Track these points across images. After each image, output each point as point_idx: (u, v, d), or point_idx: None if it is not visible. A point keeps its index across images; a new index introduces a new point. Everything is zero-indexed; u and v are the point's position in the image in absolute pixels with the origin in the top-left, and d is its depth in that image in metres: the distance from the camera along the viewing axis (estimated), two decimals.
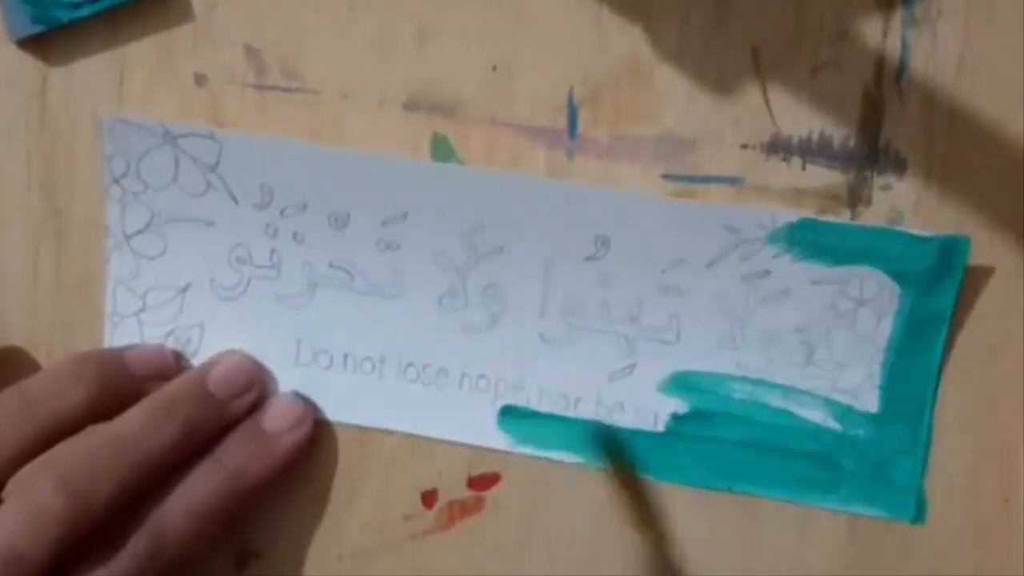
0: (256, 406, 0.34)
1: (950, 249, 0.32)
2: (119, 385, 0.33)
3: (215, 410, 0.33)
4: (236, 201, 0.34)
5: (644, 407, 0.33)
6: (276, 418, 0.34)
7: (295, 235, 0.34)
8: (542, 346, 0.34)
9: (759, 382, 0.33)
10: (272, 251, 0.34)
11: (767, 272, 0.33)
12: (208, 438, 0.33)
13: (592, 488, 0.34)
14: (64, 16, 0.34)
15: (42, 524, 0.29)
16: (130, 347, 0.34)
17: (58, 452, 0.31)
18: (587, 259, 0.33)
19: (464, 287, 0.34)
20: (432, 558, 0.35)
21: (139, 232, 0.34)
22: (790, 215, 0.32)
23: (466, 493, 0.35)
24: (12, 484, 0.31)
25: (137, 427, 0.31)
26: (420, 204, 0.33)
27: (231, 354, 0.34)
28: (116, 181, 0.34)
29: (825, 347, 0.33)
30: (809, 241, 0.32)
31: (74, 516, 0.29)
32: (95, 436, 0.31)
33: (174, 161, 0.34)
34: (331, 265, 0.34)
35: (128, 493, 0.31)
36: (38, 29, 0.34)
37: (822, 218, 0.32)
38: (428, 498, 0.35)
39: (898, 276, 0.32)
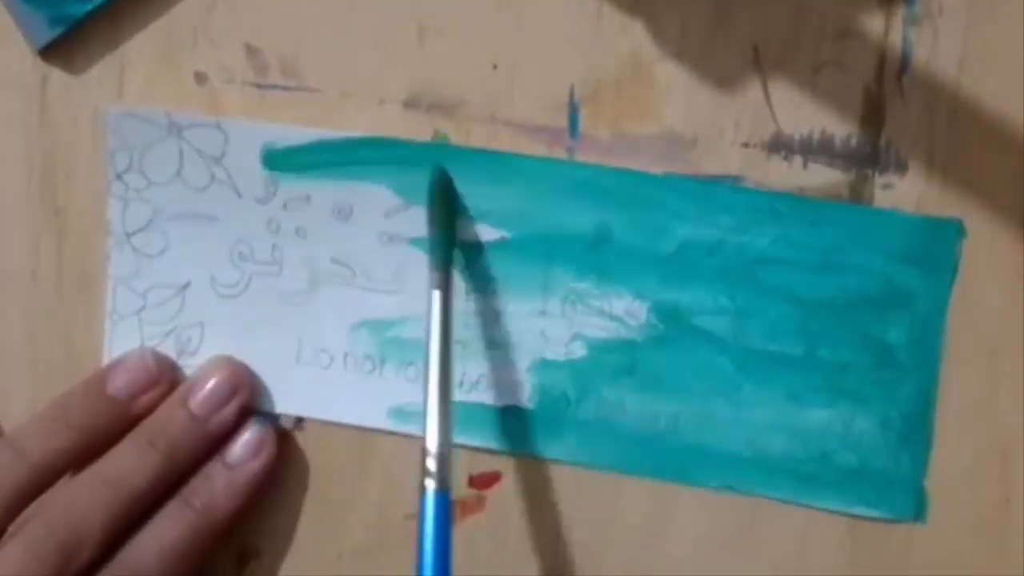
0: (244, 411, 0.34)
1: (944, 232, 0.32)
2: (106, 414, 0.33)
3: (198, 433, 0.33)
4: (239, 195, 0.34)
5: (646, 408, 0.33)
6: (238, 452, 0.34)
7: (297, 230, 0.34)
8: (541, 343, 0.34)
9: (760, 380, 0.33)
10: (274, 247, 0.34)
11: (767, 260, 0.33)
12: (196, 460, 0.33)
13: (592, 488, 0.34)
14: (77, 10, 0.33)
15: (39, 564, 0.30)
16: (112, 366, 0.34)
17: (51, 495, 0.32)
18: (588, 249, 0.33)
19: (465, 282, 0.34)
20: None
21: (140, 230, 0.34)
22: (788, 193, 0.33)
23: (467, 492, 0.35)
24: (12, 528, 0.32)
25: (122, 463, 0.32)
26: (424, 191, 0.33)
27: (212, 369, 0.34)
28: (118, 177, 0.34)
29: (826, 345, 0.33)
30: (806, 224, 0.32)
31: (68, 556, 0.31)
32: (85, 476, 0.32)
33: (178, 153, 0.34)
34: (333, 261, 0.34)
35: (120, 527, 0.32)
36: (57, 31, 0.34)
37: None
38: None
39: (895, 261, 0.32)
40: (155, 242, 0.34)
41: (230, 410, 0.34)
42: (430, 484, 0.29)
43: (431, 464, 0.29)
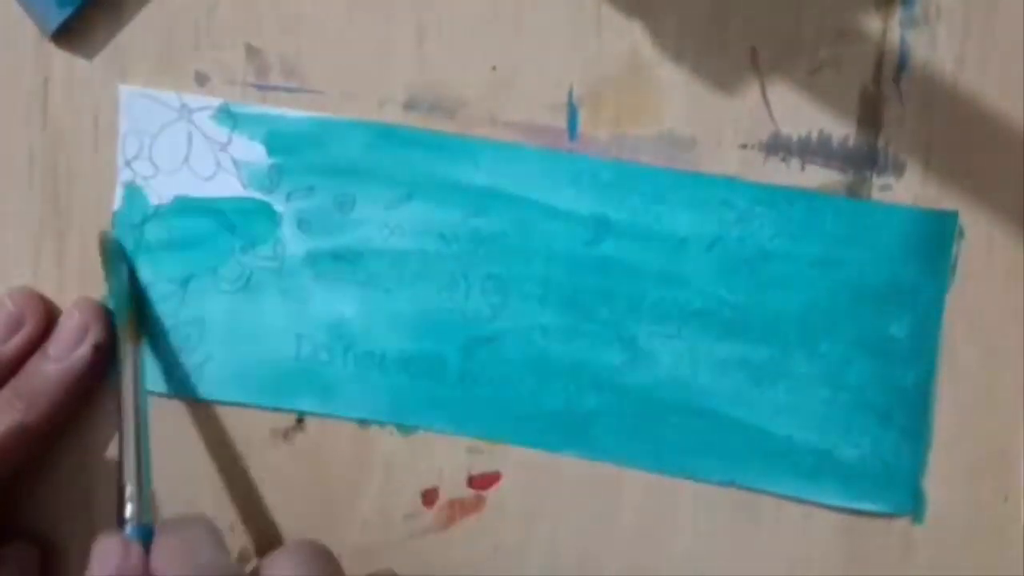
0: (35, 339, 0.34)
1: (941, 224, 0.32)
2: None
3: (57, 375, 0.34)
4: (244, 184, 0.34)
5: (647, 402, 0.33)
6: (57, 343, 0.34)
7: (300, 223, 0.34)
8: (543, 339, 0.34)
9: (761, 374, 0.33)
10: (276, 240, 0.34)
11: (767, 255, 0.33)
12: (60, 401, 0.34)
13: (592, 488, 0.34)
14: None
15: None
16: None
17: None
18: (588, 244, 0.33)
19: (466, 277, 0.34)
20: (432, 557, 0.35)
21: (145, 220, 0.35)
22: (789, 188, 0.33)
23: (467, 492, 0.35)
24: None
25: None
26: (426, 182, 0.34)
27: (65, 313, 0.34)
28: (127, 164, 0.35)
29: (827, 339, 0.33)
30: (805, 218, 0.33)
31: None
32: None
33: (187, 139, 0.34)
34: (334, 255, 0.34)
35: None
36: (67, 12, 0.34)
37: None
38: (429, 497, 0.35)
39: (894, 255, 0.32)
40: (158, 234, 0.35)
41: (85, 349, 0.34)
42: (129, 524, 0.31)
43: (129, 509, 0.31)
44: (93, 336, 0.34)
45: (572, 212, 0.33)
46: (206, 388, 0.35)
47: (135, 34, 0.34)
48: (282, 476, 0.35)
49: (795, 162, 0.33)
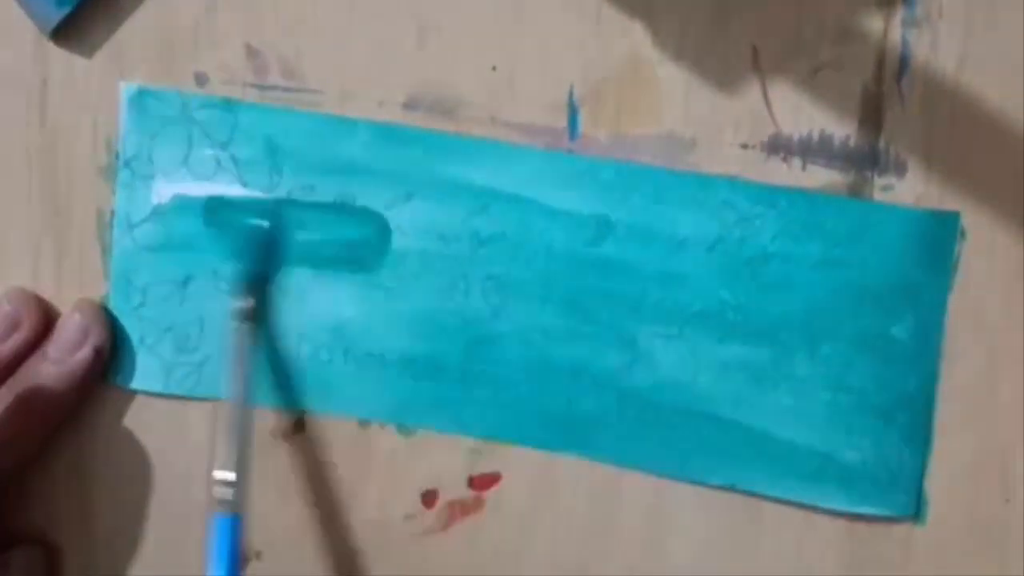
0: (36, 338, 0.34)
1: (943, 224, 0.32)
2: None
3: (57, 378, 0.34)
4: (244, 184, 0.34)
5: (647, 404, 0.33)
6: (58, 345, 0.34)
7: (300, 222, 0.34)
8: (543, 340, 0.34)
9: (762, 376, 0.33)
10: (275, 240, 0.34)
11: (768, 256, 0.33)
12: (60, 405, 0.34)
13: (592, 490, 0.34)
14: None
15: None
16: None
17: None
18: (588, 244, 0.33)
19: (466, 278, 0.34)
20: (432, 558, 0.35)
21: (144, 221, 0.34)
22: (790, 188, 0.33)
23: (467, 493, 0.35)
24: None
25: None
26: (426, 182, 0.33)
27: (66, 315, 0.34)
28: (126, 164, 0.34)
29: (829, 341, 0.33)
30: (807, 219, 0.32)
31: None
32: None
33: (187, 139, 0.34)
34: (333, 255, 0.34)
35: None
36: (66, 11, 0.34)
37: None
38: (428, 498, 0.35)
39: (896, 255, 0.32)
40: (158, 234, 0.34)
41: (85, 351, 0.34)
42: (223, 509, 0.31)
43: (224, 493, 0.31)
44: (94, 339, 0.34)
45: (572, 212, 0.33)
46: (206, 388, 0.35)
47: (134, 33, 0.34)
48: (282, 476, 0.35)
49: (796, 162, 0.33)
